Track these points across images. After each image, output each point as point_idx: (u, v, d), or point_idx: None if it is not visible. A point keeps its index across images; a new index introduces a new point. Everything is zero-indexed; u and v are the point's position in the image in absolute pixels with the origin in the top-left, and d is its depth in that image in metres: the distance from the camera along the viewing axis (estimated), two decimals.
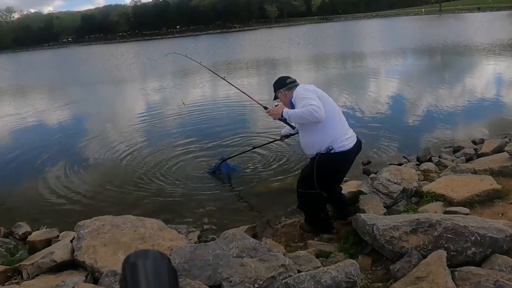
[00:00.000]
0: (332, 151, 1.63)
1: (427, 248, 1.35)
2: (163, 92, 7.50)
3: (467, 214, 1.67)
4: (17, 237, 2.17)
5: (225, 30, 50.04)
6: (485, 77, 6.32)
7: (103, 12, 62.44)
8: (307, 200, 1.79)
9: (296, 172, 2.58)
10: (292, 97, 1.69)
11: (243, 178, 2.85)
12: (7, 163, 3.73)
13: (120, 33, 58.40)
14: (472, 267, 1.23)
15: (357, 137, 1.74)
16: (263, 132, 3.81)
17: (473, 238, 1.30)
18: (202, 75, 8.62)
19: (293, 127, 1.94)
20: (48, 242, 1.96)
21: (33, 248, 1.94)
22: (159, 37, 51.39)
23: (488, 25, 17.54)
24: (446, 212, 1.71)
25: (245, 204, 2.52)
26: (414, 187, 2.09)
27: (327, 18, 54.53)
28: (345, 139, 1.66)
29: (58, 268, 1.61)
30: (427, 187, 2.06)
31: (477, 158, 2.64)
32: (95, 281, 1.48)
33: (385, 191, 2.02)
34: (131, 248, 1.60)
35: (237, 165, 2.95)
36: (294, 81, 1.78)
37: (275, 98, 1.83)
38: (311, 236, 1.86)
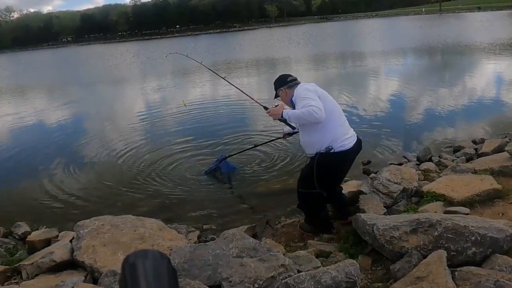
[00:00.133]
0: (332, 151, 1.63)
1: (427, 248, 1.34)
2: (163, 91, 7.49)
3: (467, 214, 1.67)
4: (17, 237, 2.17)
5: (225, 30, 50.00)
6: (486, 76, 6.31)
7: (102, 11, 62.34)
8: (307, 199, 1.79)
9: (296, 172, 2.57)
10: (293, 96, 1.68)
11: (243, 177, 2.85)
12: (6, 162, 3.73)
13: (120, 33, 58.31)
14: (472, 267, 1.23)
15: (357, 136, 1.74)
16: (263, 131, 3.80)
17: (473, 238, 1.30)
18: (202, 74, 8.61)
19: (293, 128, 1.94)
20: (47, 242, 1.96)
21: (33, 248, 1.94)
22: (159, 36, 51.32)
23: (488, 25, 17.53)
24: (446, 212, 1.71)
25: (245, 204, 2.52)
26: (414, 187, 2.09)
27: (327, 18, 54.50)
28: (345, 138, 1.66)
29: (57, 268, 1.61)
30: (427, 187, 2.06)
31: (477, 158, 2.64)
32: (95, 281, 1.48)
33: (385, 191, 2.01)
34: (130, 248, 1.60)
35: (236, 164, 2.95)
36: (295, 79, 1.77)
37: (276, 96, 1.82)
38: (311, 236, 1.86)
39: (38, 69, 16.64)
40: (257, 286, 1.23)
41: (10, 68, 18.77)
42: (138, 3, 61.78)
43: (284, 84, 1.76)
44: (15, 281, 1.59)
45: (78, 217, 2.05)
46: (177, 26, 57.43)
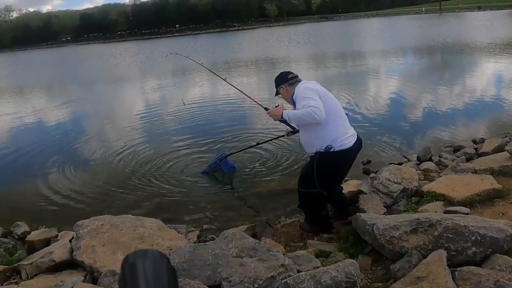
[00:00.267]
0: (332, 150, 1.63)
1: (427, 248, 1.34)
2: (162, 91, 7.48)
3: (467, 213, 1.67)
4: (16, 236, 2.17)
5: (224, 29, 49.92)
6: (486, 76, 6.31)
7: (102, 11, 62.20)
8: (308, 199, 1.79)
9: (296, 172, 2.57)
10: (293, 94, 1.67)
11: (242, 177, 2.85)
12: (5, 162, 3.72)
13: (119, 32, 58.19)
14: (473, 267, 1.23)
15: (357, 135, 1.73)
16: (263, 130, 3.80)
17: (473, 238, 1.30)
18: (201, 74, 8.60)
19: (293, 128, 1.93)
20: (47, 242, 1.96)
21: (32, 248, 1.94)
22: (159, 36, 51.24)
23: (488, 24, 17.52)
24: (446, 212, 1.71)
25: (244, 203, 2.52)
26: (414, 186, 2.08)
27: (327, 17, 54.41)
28: (345, 138, 1.65)
29: (57, 268, 1.61)
30: (427, 186, 2.06)
31: (477, 157, 2.64)
32: (94, 281, 1.47)
33: (385, 191, 2.01)
34: (130, 248, 1.60)
35: (236, 164, 2.94)
36: (296, 77, 1.76)
37: (277, 93, 1.80)
38: (310, 235, 1.86)
39: (37, 68, 16.62)
40: (256, 286, 1.23)
41: (9, 68, 18.73)
42: (138, 2, 61.71)
43: (285, 81, 1.75)
44: (14, 281, 1.59)
45: (78, 217, 2.05)
46: (177, 26, 57.32)
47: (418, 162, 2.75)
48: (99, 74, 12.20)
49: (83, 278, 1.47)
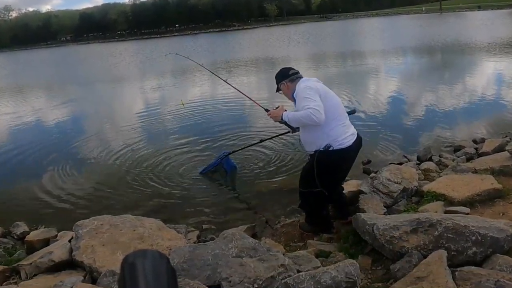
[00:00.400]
0: (331, 149, 1.63)
1: (427, 248, 1.34)
2: (162, 91, 7.47)
3: (467, 213, 1.67)
4: (15, 237, 2.16)
5: (224, 29, 49.88)
6: (486, 76, 6.31)
7: (101, 10, 62.12)
8: (308, 198, 1.78)
9: (297, 172, 2.56)
10: (294, 90, 1.67)
11: (242, 177, 2.84)
12: (4, 162, 3.71)
13: (119, 32, 58.14)
14: (473, 267, 1.22)
15: (358, 133, 1.72)
16: (264, 129, 3.78)
17: (473, 238, 1.30)
18: (201, 74, 8.59)
19: (294, 129, 1.93)
20: (46, 242, 1.96)
21: (31, 248, 1.93)
22: (158, 36, 51.19)
23: (489, 24, 17.51)
24: (446, 212, 1.70)
25: (244, 203, 2.51)
26: (415, 186, 2.08)
27: (327, 17, 54.36)
28: (345, 137, 1.65)
29: (56, 268, 1.60)
30: (427, 186, 2.06)
31: (477, 157, 2.64)
32: (94, 281, 1.47)
33: (385, 191, 2.01)
34: (129, 248, 1.59)
35: (236, 164, 2.93)
36: (297, 73, 1.75)
37: (278, 90, 1.79)
38: (310, 235, 1.85)
39: (37, 68, 16.60)
40: (256, 286, 1.23)
41: (8, 68, 18.71)
42: (137, 2, 61.63)
43: (286, 77, 1.74)
44: (13, 281, 1.59)
45: (77, 217, 2.05)
46: (177, 25, 57.26)
47: (418, 162, 2.75)
48: (99, 74, 12.19)
49: (82, 278, 1.46)
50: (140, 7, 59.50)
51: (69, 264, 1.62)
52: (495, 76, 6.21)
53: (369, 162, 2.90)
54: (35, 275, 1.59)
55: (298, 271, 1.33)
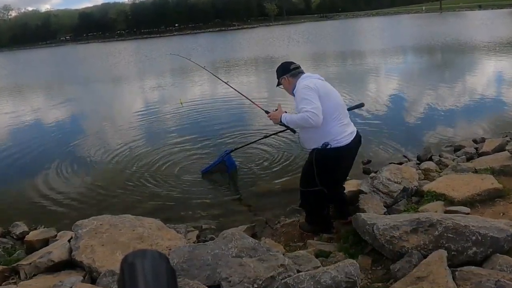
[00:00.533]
0: (328, 147, 1.63)
1: (427, 248, 1.34)
2: (161, 90, 7.46)
3: (468, 213, 1.66)
4: (15, 236, 2.16)
5: (224, 28, 49.82)
6: (486, 75, 6.30)
7: (101, 10, 62.01)
8: (308, 198, 1.78)
9: (296, 171, 2.57)
10: (295, 86, 1.66)
11: (242, 177, 2.84)
12: (4, 162, 3.71)
13: (118, 31, 58.04)
14: (473, 267, 1.22)
15: (357, 131, 1.72)
16: (265, 128, 3.77)
17: (474, 237, 1.29)
18: (201, 73, 8.58)
19: (294, 130, 1.92)
20: (45, 242, 1.95)
21: (31, 248, 1.93)
22: (158, 35, 51.10)
23: (489, 23, 17.49)
24: (446, 212, 1.70)
25: (244, 203, 2.51)
26: (415, 186, 2.08)
27: (327, 16, 54.27)
28: (343, 136, 1.65)
29: (55, 268, 1.60)
30: (427, 186, 2.05)
31: (478, 157, 2.63)
32: (93, 281, 1.47)
33: (385, 190, 2.01)
34: (129, 248, 1.59)
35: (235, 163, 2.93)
36: (298, 67, 1.73)
37: (278, 84, 1.78)
38: (310, 235, 1.85)
39: (36, 68, 16.58)
40: (256, 286, 1.22)
41: (8, 67, 18.68)
42: (137, 1, 61.46)
43: (287, 72, 1.72)
44: (13, 281, 1.58)
45: (77, 217, 2.05)
46: (176, 25, 57.15)
47: (418, 162, 2.75)
48: (98, 73, 12.17)
49: (82, 278, 1.46)
50: (140, 6, 59.39)
51: (69, 264, 1.61)
52: (495, 75, 6.21)
53: (369, 162, 2.89)
54: (34, 275, 1.59)
55: (298, 271, 1.33)
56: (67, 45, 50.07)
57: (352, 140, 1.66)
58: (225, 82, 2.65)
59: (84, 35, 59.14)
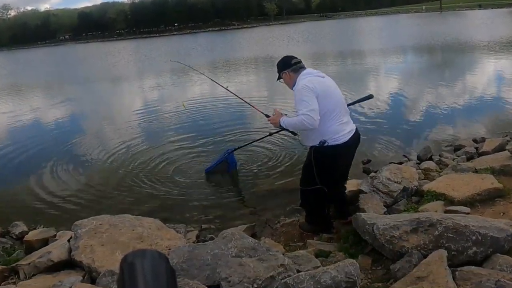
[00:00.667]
0: (326, 144, 1.63)
1: (427, 248, 1.34)
2: (161, 90, 7.46)
3: (468, 213, 1.66)
4: (14, 236, 2.16)
5: (223, 28, 49.77)
6: (486, 75, 6.30)
7: (100, 9, 61.89)
8: (308, 197, 1.78)
9: (296, 171, 2.56)
10: (295, 82, 1.66)
11: (242, 176, 2.83)
12: (3, 161, 3.70)
13: (118, 31, 57.97)
14: (473, 267, 1.22)
15: (356, 129, 1.71)
16: (265, 126, 3.77)
17: (474, 237, 1.29)
18: (200, 73, 8.56)
19: (294, 133, 1.92)
20: (45, 242, 1.95)
21: (30, 248, 1.93)
22: (157, 35, 51.03)
23: (489, 23, 17.49)
24: (446, 211, 1.70)
25: (244, 203, 2.51)
26: (415, 186, 2.08)
27: (327, 16, 54.24)
28: (341, 135, 1.65)
29: (55, 268, 1.60)
30: (427, 186, 2.05)
31: (478, 157, 2.63)
32: (93, 281, 1.47)
33: (385, 190, 2.00)
34: (129, 247, 1.59)
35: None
36: (299, 62, 1.73)
37: (279, 78, 1.78)
38: (310, 235, 1.85)
39: (36, 67, 16.56)
40: (256, 286, 1.22)
41: (8, 67, 18.65)
42: (136, 1, 61.31)
43: (288, 67, 1.72)
44: (12, 281, 1.58)
45: (76, 217, 2.04)
46: (176, 24, 57.06)
47: (418, 162, 2.74)
48: (98, 73, 12.16)
49: (81, 278, 1.46)
50: (139, 6, 59.28)
51: (68, 264, 1.61)
52: (495, 75, 6.21)
53: (369, 161, 2.89)
54: (33, 275, 1.58)
55: (298, 271, 1.33)
56: (67, 44, 49.99)
57: (350, 138, 1.66)
58: (225, 88, 2.64)
59: (84, 34, 59.04)
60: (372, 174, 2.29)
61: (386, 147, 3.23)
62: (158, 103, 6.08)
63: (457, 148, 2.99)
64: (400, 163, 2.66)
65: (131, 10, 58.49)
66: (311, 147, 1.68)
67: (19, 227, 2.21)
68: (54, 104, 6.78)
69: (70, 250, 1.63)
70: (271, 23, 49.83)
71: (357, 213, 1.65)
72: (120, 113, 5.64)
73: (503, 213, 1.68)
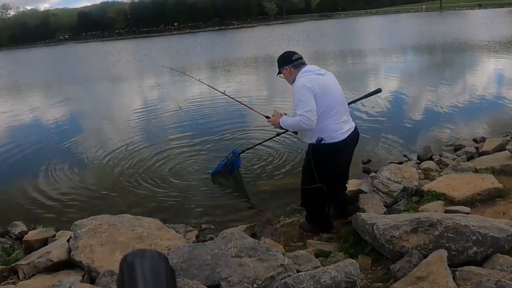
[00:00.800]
0: (323, 142, 1.64)
1: (427, 248, 1.33)
2: (160, 90, 7.45)
3: (468, 213, 1.66)
4: (13, 236, 2.15)
5: (223, 28, 49.76)
6: (487, 74, 6.30)
7: (100, 9, 61.80)
8: (308, 196, 1.78)
9: (297, 171, 2.55)
10: (295, 78, 1.66)
11: (242, 176, 2.83)
12: (2, 161, 3.70)
13: (117, 30, 57.89)
14: (473, 267, 1.22)
15: (356, 128, 1.71)
16: (266, 125, 3.75)
17: (474, 237, 1.29)
18: (199, 73, 8.56)
19: (295, 132, 1.92)
20: (44, 242, 1.95)
21: (30, 248, 1.93)
22: (157, 34, 51.02)
23: (489, 22, 17.48)
24: (447, 211, 1.70)
25: (244, 203, 2.51)
26: (415, 186, 2.07)
27: (327, 15, 54.22)
28: (339, 133, 1.64)
29: (54, 268, 1.60)
30: (427, 186, 2.05)
31: (478, 156, 2.63)
32: (92, 281, 1.46)
33: (385, 190, 2.00)
34: (128, 247, 1.58)
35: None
36: (300, 58, 1.72)
37: (279, 73, 1.77)
38: (310, 235, 1.85)
39: (35, 67, 16.54)
40: (256, 286, 1.22)
41: (7, 66, 18.63)
42: (136, 0, 61.24)
43: (289, 62, 1.71)
44: (11, 281, 1.58)
45: (75, 217, 2.04)
46: (175, 24, 56.99)
47: (418, 161, 2.74)
48: (97, 72, 12.15)
49: (81, 278, 1.46)
50: (139, 5, 59.20)
51: (68, 264, 1.61)
52: (495, 74, 6.21)
53: (369, 161, 2.89)
54: (33, 275, 1.58)
55: (298, 271, 1.32)
56: (66, 44, 49.95)
57: (348, 136, 1.65)
58: (222, 92, 2.63)
59: (83, 34, 58.95)
60: (372, 174, 2.29)
61: (386, 147, 3.23)
62: (158, 102, 6.07)
63: (457, 148, 2.99)
64: (400, 163, 2.66)
65: (130, 10, 58.41)
66: (309, 144, 1.69)
67: (19, 227, 2.20)
68: (53, 103, 6.78)
69: (69, 250, 1.63)
70: (271, 23, 49.77)
71: (357, 213, 1.65)
72: (119, 112, 5.64)
73: (504, 213, 1.68)
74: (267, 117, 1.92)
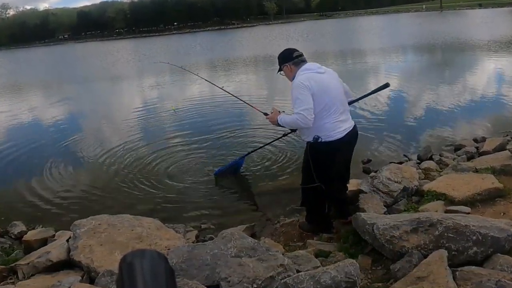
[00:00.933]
0: (320, 140, 1.64)
1: (428, 248, 1.33)
2: (160, 90, 7.44)
3: (468, 213, 1.66)
4: (13, 236, 2.15)
5: (223, 27, 49.79)
6: (487, 74, 6.30)
7: (99, 8, 61.73)
8: (308, 195, 1.79)
9: (297, 171, 2.55)
10: (295, 75, 1.66)
11: (241, 176, 2.83)
12: (1, 161, 3.69)
13: (117, 30, 57.86)
14: (474, 267, 1.22)
15: (354, 126, 1.71)
16: (267, 125, 3.74)
17: (474, 237, 1.29)
18: (199, 72, 8.54)
19: (293, 130, 1.92)
20: (44, 242, 1.95)
21: (29, 248, 1.92)
22: (157, 34, 51.01)
23: (489, 22, 17.49)
24: (447, 211, 1.70)
25: (243, 203, 2.51)
26: (415, 186, 2.07)
27: (327, 15, 54.21)
28: (337, 131, 1.64)
29: (54, 268, 1.59)
30: (428, 186, 2.05)
31: (478, 156, 2.63)
32: (92, 281, 1.46)
33: (386, 190, 2.00)
34: (128, 247, 1.58)
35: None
36: (301, 55, 1.72)
37: (280, 70, 1.77)
38: (310, 235, 1.85)
39: (35, 66, 16.52)
40: (255, 286, 1.22)
41: (7, 66, 18.61)
42: (136, 0, 61.16)
43: (290, 60, 1.71)
44: (11, 281, 1.57)
45: (75, 217, 2.04)
46: (175, 24, 56.93)
47: (418, 161, 2.74)
48: (97, 72, 12.14)
49: (80, 278, 1.45)
50: (139, 5, 59.13)
51: (67, 264, 1.61)
52: (495, 74, 6.20)
53: (369, 161, 2.89)
54: (32, 275, 1.58)
55: (298, 271, 1.32)
56: (66, 43, 49.92)
57: (346, 135, 1.65)
58: (221, 88, 2.64)
59: (83, 33, 58.89)
60: (372, 173, 2.28)
61: (386, 146, 3.23)
62: (157, 102, 6.07)
63: (457, 148, 2.98)
64: (400, 162, 2.66)
65: (130, 9, 58.35)
66: (307, 143, 1.69)
67: (18, 227, 2.20)
68: (53, 103, 6.77)
69: (69, 250, 1.63)
70: (271, 22, 49.78)
71: (357, 213, 1.65)
72: (119, 112, 5.64)
73: (504, 213, 1.68)
74: (266, 114, 1.93)
